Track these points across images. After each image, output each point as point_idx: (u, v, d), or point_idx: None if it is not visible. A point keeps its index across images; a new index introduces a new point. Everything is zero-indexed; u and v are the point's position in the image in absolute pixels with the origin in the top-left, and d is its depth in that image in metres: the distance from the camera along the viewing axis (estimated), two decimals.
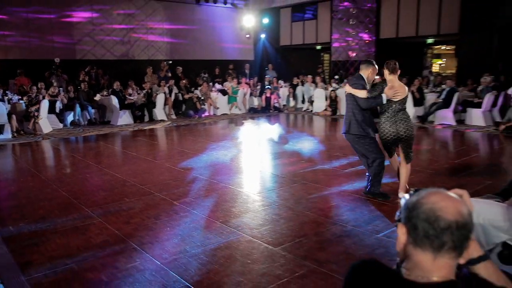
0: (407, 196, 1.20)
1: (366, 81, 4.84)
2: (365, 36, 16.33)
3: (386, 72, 4.75)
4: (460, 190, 1.22)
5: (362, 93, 4.72)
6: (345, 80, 13.45)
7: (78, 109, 11.83)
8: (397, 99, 4.63)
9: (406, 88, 4.76)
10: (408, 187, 4.85)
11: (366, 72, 4.85)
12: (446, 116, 10.97)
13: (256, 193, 5.28)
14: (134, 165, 6.94)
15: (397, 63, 4.74)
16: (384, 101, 4.65)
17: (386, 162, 4.95)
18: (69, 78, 13.25)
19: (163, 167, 6.74)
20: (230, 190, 5.38)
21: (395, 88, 4.62)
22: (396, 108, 4.66)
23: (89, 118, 12.09)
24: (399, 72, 4.75)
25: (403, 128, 4.65)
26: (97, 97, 12.69)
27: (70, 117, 11.88)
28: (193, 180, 5.88)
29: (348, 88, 4.89)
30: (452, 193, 1.16)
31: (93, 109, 12.22)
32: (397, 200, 4.70)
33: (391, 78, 4.70)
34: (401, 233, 1.16)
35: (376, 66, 4.88)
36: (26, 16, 13.70)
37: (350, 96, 4.86)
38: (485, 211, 2.70)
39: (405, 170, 4.87)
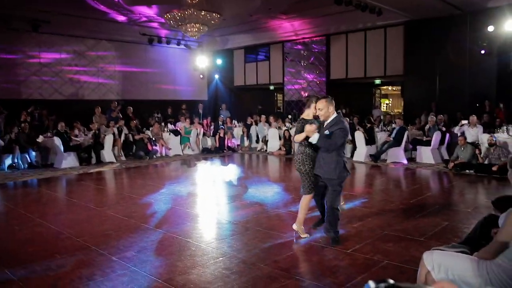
0: (372, 284, 0.95)
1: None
2: (316, 77, 16.70)
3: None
4: (449, 284, 0.97)
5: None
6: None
7: (17, 151, 10.98)
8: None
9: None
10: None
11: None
12: (398, 154, 11.14)
13: (206, 243, 4.84)
14: (72, 214, 6.32)
15: (313, 99, 4.70)
16: (314, 141, 4.47)
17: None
18: (10, 118, 12.39)
19: (105, 215, 6.16)
20: (177, 240, 4.91)
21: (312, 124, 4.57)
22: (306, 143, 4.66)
23: (29, 161, 11.23)
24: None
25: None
26: (40, 138, 11.90)
27: (8, 160, 10.97)
28: (136, 229, 5.36)
29: None
30: None
31: (34, 152, 11.38)
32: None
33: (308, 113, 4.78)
34: None
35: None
36: None
37: None
38: (455, 265, 2.48)
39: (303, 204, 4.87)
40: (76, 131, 12.38)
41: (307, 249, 4.58)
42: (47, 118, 13.59)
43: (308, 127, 4.51)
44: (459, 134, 10.42)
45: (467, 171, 9.42)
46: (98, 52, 16.04)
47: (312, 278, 3.77)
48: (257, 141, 15.02)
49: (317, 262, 4.18)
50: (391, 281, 0.94)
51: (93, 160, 11.87)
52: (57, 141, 11.22)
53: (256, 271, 3.94)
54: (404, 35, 14.03)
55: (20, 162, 11.09)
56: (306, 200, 4.84)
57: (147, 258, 4.34)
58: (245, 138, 15.08)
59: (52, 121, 13.47)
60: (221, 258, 4.31)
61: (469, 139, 10.19)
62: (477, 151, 9.52)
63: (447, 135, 11.32)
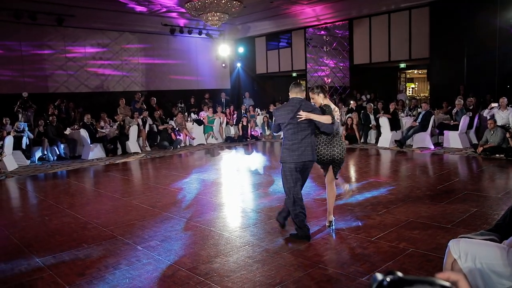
0: (379, 276, 0.93)
1: None
2: (340, 63, 16.41)
3: (321, 96, 4.65)
4: (455, 274, 0.94)
5: (327, 118, 4.41)
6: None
7: (47, 144, 11.29)
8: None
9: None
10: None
11: (302, 95, 4.55)
12: (424, 140, 10.87)
13: (229, 232, 4.87)
14: (99, 204, 6.46)
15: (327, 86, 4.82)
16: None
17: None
18: (39, 112, 12.73)
19: (130, 205, 6.26)
20: (200, 229, 4.95)
21: (335, 111, 4.65)
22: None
23: (58, 153, 11.54)
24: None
25: (338, 151, 4.60)
26: (67, 131, 12.21)
27: (38, 153, 11.32)
28: (161, 219, 5.43)
29: (310, 115, 4.31)
30: (444, 282, 0.88)
31: (62, 144, 11.69)
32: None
33: (327, 102, 4.67)
34: None
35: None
36: None
37: (305, 122, 4.35)
38: (483, 254, 2.38)
39: (332, 193, 4.77)
40: (102, 123, 12.61)
41: (330, 238, 4.53)
42: (73, 111, 13.89)
43: None
44: (488, 118, 10.06)
45: (497, 155, 9.12)
46: (121, 45, 16.20)
47: (335, 267, 3.73)
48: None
49: (341, 251, 4.13)
50: (399, 274, 0.90)
51: (119, 151, 12.10)
52: (84, 133, 11.48)
53: (279, 259, 3.93)
54: (430, 16, 13.56)
55: (50, 154, 11.41)
56: None
57: (171, 247, 4.40)
58: (266, 127, 15.02)
59: (78, 114, 13.76)
60: (243, 247, 4.32)
61: (499, 122, 9.83)
62: (507, 135, 9.17)
63: (476, 118, 10.96)
